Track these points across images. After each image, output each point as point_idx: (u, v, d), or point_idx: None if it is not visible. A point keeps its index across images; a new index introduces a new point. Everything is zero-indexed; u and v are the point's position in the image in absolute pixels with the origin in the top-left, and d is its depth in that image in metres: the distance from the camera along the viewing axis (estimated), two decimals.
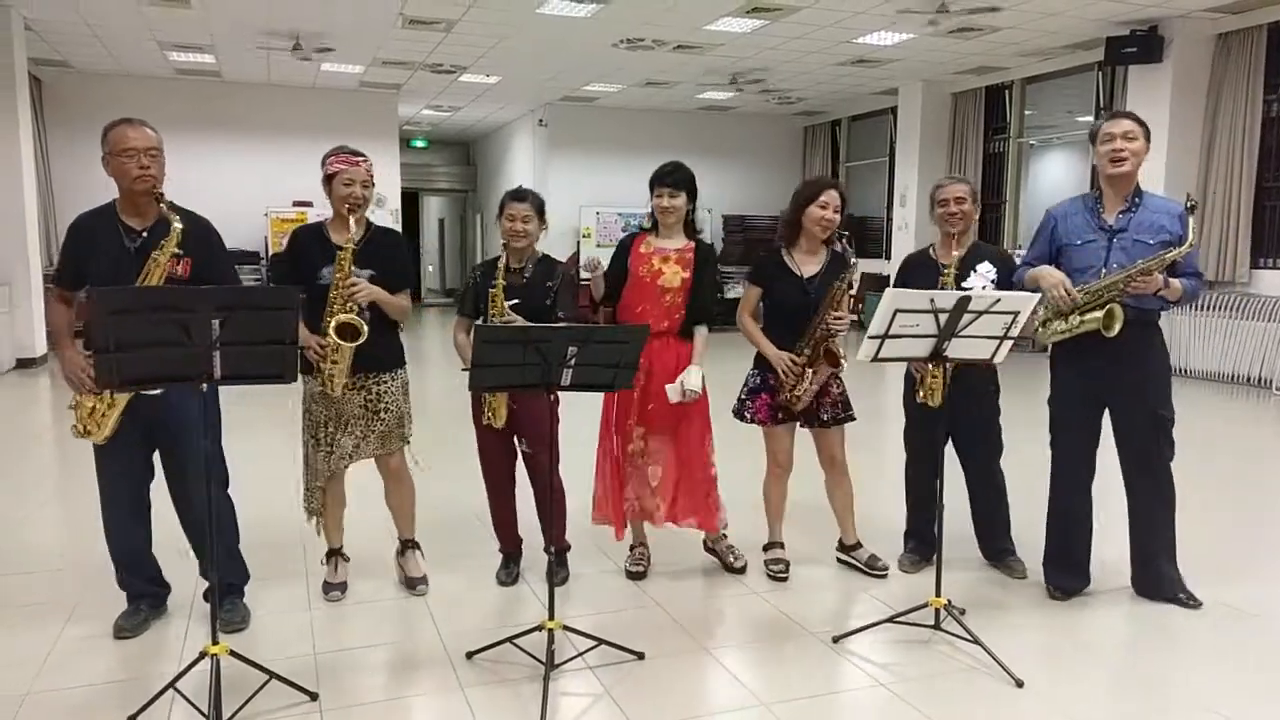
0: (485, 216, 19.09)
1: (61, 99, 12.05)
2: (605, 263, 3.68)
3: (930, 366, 3.38)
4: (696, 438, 3.66)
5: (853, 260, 3.53)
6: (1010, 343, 3.08)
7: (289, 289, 2.67)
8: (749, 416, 3.67)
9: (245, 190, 12.51)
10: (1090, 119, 11.19)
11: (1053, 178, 14.79)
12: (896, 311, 2.88)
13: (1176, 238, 3.22)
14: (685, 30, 9.73)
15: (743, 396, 3.70)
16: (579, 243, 14.38)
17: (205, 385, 2.53)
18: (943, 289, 3.42)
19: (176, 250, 2.93)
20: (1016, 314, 2.98)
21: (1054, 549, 3.56)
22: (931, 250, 3.71)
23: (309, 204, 13.13)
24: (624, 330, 2.90)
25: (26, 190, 9.31)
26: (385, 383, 3.41)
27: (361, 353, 3.21)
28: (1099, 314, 3.20)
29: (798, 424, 3.68)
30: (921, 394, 3.52)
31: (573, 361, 2.79)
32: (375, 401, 3.39)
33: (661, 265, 3.58)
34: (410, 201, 18.01)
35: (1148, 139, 3.28)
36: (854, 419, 3.70)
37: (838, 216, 3.54)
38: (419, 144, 18.88)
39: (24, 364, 9.35)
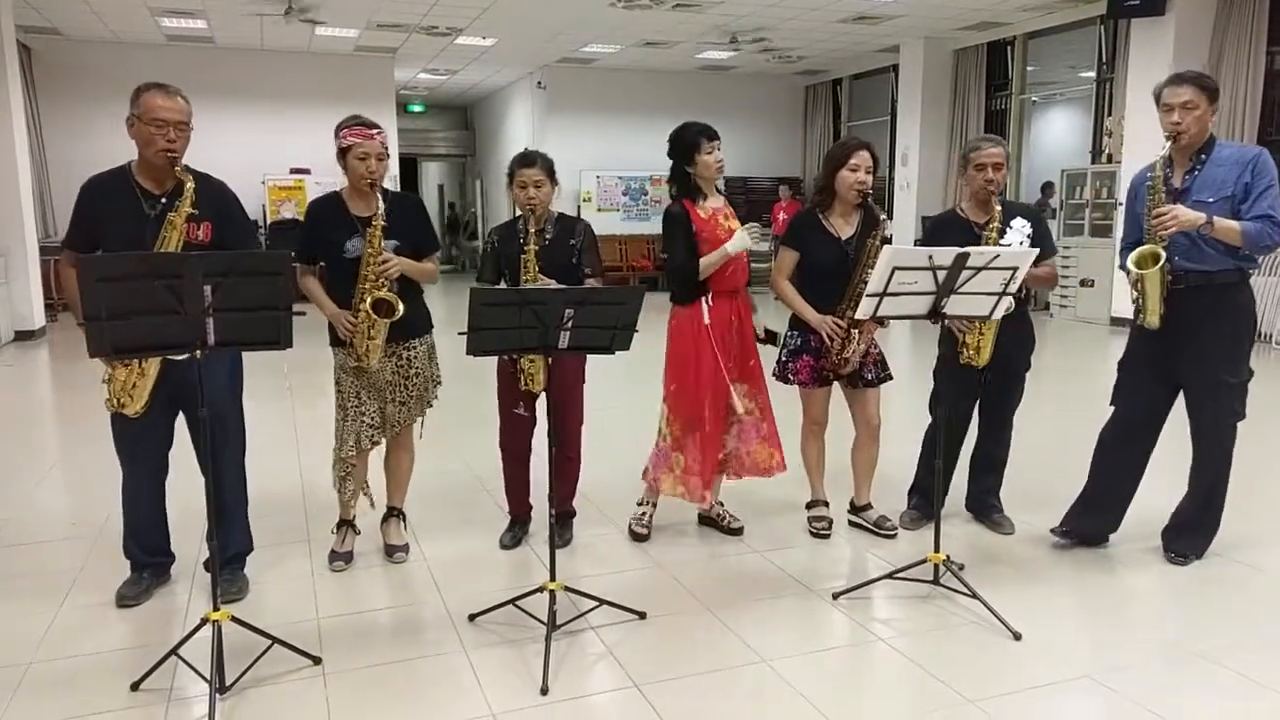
0: (485, 181, 18.95)
1: (52, 67, 11.89)
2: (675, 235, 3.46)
3: (976, 324, 3.39)
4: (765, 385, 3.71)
5: (882, 216, 3.50)
6: (1009, 298, 3.05)
7: (280, 254, 2.64)
8: (791, 378, 3.64)
9: (241, 158, 12.38)
10: (1092, 74, 11.03)
11: (1055, 134, 14.63)
12: (895, 269, 2.86)
13: (1242, 189, 3.14)
14: None
15: (783, 359, 3.66)
16: (579, 207, 14.28)
17: (199, 353, 2.50)
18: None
19: (192, 211, 2.90)
20: (1015, 269, 2.95)
21: (1088, 497, 3.54)
22: (960, 210, 3.66)
23: (306, 171, 13.04)
24: (622, 291, 2.87)
25: (19, 159, 9.22)
26: (415, 348, 3.41)
27: (393, 321, 3.21)
28: (1139, 268, 3.18)
29: (835, 384, 3.66)
30: (966, 354, 3.50)
31: (570, 324, 2.77)
32: (406, 367, 3.39)
33: (728, 223, 3.53)
34: (409, 167, 17.88)
35: (1212, 100, 3.19)
36: (892, 378, 3.69)
37: (870, 178, 3.49)
38: (416, 109, 18.68)
39: (22, 336, 9.34)
